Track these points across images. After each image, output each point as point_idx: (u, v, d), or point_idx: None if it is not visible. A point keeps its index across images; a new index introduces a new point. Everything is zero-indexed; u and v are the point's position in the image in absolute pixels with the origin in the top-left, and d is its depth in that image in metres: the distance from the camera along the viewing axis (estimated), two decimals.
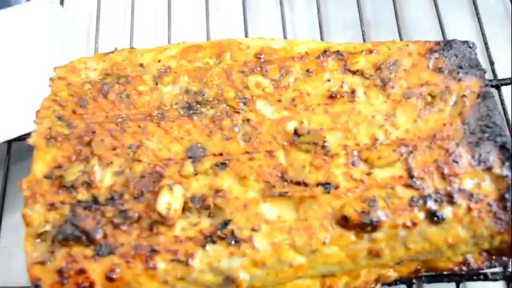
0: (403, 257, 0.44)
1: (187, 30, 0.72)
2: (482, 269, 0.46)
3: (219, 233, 0.43)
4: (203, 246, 0.43)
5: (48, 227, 0.45)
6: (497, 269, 0.50)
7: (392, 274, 0.46)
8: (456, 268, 0.46)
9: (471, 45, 0.49)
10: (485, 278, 0.49)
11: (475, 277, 0.49)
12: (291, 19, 0.69)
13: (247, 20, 0.65)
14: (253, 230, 0.43)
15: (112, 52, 0.53)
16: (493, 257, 0.45)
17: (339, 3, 0.69)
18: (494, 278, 0.49)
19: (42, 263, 0.44)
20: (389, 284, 0.48)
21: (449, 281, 0.50)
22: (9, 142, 0.59)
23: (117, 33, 0.72)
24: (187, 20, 0.73)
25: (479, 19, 0.62)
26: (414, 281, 0.50)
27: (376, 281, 0.46)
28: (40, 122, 0.49)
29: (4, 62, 0.58)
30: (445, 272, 0.49)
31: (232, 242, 0.43)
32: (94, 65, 0.52)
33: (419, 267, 0.46)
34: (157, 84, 0.50)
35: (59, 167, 0.47)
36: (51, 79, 0.52)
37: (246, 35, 0.64)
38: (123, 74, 0.51)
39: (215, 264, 0.43)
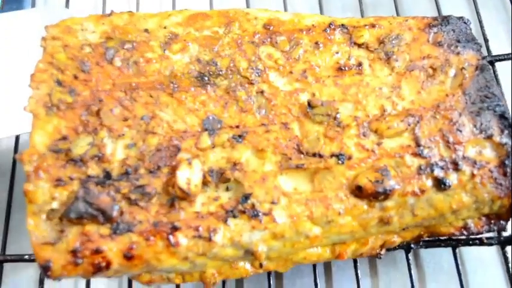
0: (409, 223, 0.41)
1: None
2: (482, 233, 0.44)
3: (240, 207, 0.39)
4: (225, 221, 0.38)
5: (55, 205, 0.39)
6: (492, 234, 0.48)
7: (396, 240, 0.43)
8: (457, 232, 0.44)
9: (466, 21, 0.46)
10: (481, 242, 0.48)
11: (470, 242, 0.47)
12: (291, 0, 0.65)
13: None
14: (272, 203, 0.39)
15: (110, 14, 0.46)
16: (492, 221, 0.44)
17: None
18: (489, 242, 0.48)
19: (51, 243, 0.38)
20: (389, 249, 0.45)
21: (446, 246, 0.48)
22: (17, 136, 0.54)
23: None
24: None
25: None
26: (412, 245, 0.47)
27: (381, 246, 0.43)
28: (36, 87, 0.42)
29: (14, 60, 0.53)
30: (442, 237, 0.47)
31: (253, 216, 0.39)
32: (92, 27, 0.45)
33: (422, 232, 0.44)
34: (165, 52, 0.44)
35: (64, 138, 0.40)
36: (43, 38, 0.44)
37: (248, 6, 0.62)
38: (127, 39, 0.44)
39: (237, 238, 0.39)
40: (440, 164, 0.41)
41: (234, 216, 0.39)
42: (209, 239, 0.38)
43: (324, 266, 0.54)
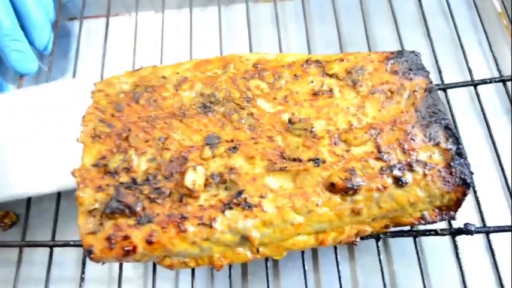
0: (376, 214, 0.49)
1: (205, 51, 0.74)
2: (436, 222, 0.51)
3: (234, 200, 0.47)
4: (223, 212, 0.47)
5: (97, 205, 0.49)
6: (445, 226, 0.56)
7: (368, 229, 0.50)
8: (416, 222, 0.51)
9: (416, 54, 0.55)
10: (436, 233, 0.55)
11: (427, 233, 0.55)
12: (285, 38, 0.75)
13: (252, 39, 0.70)
14: (261, 197, 0.47)
15: (139, 69, 0.57)
16: (444, 212, 0.50)
17: (322, 26, 0.74)
18: (442, 233, 0.55)
19: (93, 233, 0.48)
20: (363, 238, 0.52)
21: (408, 236, 0.55)
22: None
23: None
24: (205, 42, 0.77)
25: (429, 37, 0.68)
26: (381, 235, 0.54)
27: (356, 235, 0.50)
28: (86, 124, 0.53)
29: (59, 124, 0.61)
30: (405, 229, 0.54)
31: (246, 207, 0.47)
32: (126, 79, 0.56)
33: (388, 223, 0.51)
34: (177, 91, 0.54)
35: (103, 157, 0.51)
36: (92, 92, 0.56)
37: (251, 50, 0.69)
38: (150, 85, 0.55)
39: (233, 225, 0.47)
40: (398, 166, 0.48)
41: (230, 208, 0.47)
42: (210, 226, 0.47)
43: (312, 252, 0.61)
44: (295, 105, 0.52)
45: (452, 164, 0.49)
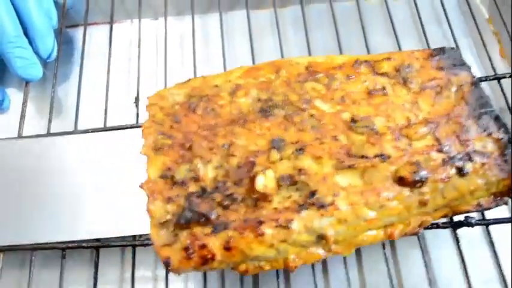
0: (440, 204, 0.46)
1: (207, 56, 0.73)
2: (491, 208, 0.49)
3: (308, 201, 0.44)
4: (298, 213, 0.43)
5: (169, 216, 0.44)
6: (446, 220, 0.53)
7: (430, 219, 0.47)
8: (473, 209, 0.48)
9: (456, 50, 0.53)
10: (438, 226, 0.53)
11: (429, 226, 0.52)
12: (285, 44, 0.71)
13: (254, 50, 0.67)
14: (334, 195, 0.44)
15: (188, 80, 0.53)
16: (498, 198, 0.48)
17: (320, 34, 0.71)
18: (444, 226, 0.53)
19: (168, 245, 0.44)
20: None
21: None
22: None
23: None
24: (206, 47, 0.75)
25: (427, 41, 0.67)
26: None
27: (419, 226, 0.48)
28: (146, 138, 0.48)
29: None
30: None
31: (320, 207, 0.43)
32: (177, 91, 0.52)
33: (447, 212, 0.48)
34: (233, 98, 0.50)
35: (169, 169, 0.46)
36: (147, 106, 0.51)
37: (253, 61, 0.66)
38: (204, 94, 0.51)
39: (309, 225, 0.43)
40: (458, 156, 0.46)
41: (305, 209, 0.44)
42: (287, 227, 0.43)
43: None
44: (353, 105, 0.49)
45: (506, 152, 0.47)
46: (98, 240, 0.53)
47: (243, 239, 0.43)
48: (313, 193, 0.44)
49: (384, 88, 0.50)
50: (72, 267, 0.58)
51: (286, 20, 0.77)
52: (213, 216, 0.44)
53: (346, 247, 0.46)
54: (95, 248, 0.53)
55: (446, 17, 0.69)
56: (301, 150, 0.46)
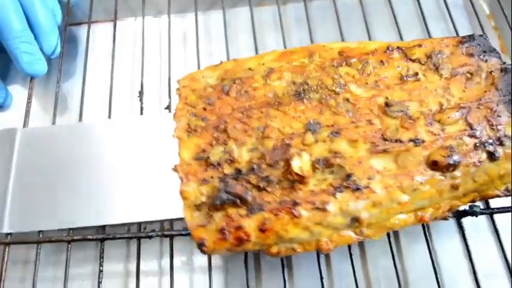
0: (470, 188, 0.46)
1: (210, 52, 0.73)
2: None
3: (344, 183, 0.44)
4: (334, 195, 0.44)
5: (203, 199, 0.44)
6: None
7: (459, 204, 0.48)
8: (501, 194, 0.48)
9: (485, 37, 0.53)
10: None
11: None
12: (288, 40, 0.71)
13: (257, 47, 0.67)
14: (369, 179, 0.44)
15: (220, 64, 0.53)
16: None
17: (323, 30, 0.70)
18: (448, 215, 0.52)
19: (203, 226, 0.44)
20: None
21: None
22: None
23: None
24: (209, 44, 0.74)
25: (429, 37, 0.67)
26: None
27: (449, 210, 0.48)
28: (178, 120, 0.48)
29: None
30: None
31: (356, 190, 0.44)
32: (210, 74, 0.52)
33: (475, 197, 0.48)
34: (266, 81, 0.50)
35: (203, 151, 0.46)
36: (177, 89, 0.51)
37: (256, 52, 0.66)
38: (237, 77, 0.51)
39: (345, 207, 0.43)
40: (490, 141, 0.46)
41: (341, 191, 0.44)
42: (324, 210, 0.43)
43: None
44: (387, 90, 0.49)
45: None
46: (103, 232, 0.53)
47: (279, 220, 0.43)
48: (348, 176, 0.44)
49: (416, 74, 0.50)
50: (77, 260, 0.57)
51: (289, 17, 0.77)
52: (248, 198, 0.44)
53: (377, 230, 0.46)
54: (100, 240, 0.53)
55: (449, 13, 0.70)
56: (336, 133, 0.46)
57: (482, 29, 0.67)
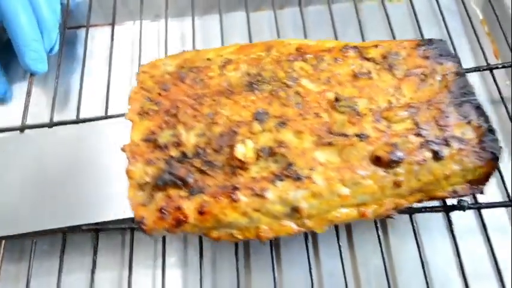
0: (414, 187, 0.46)
1: None
2: (466, 195, 0.49)
3: (285, 172, 0.44)
4: (274, 183, 0.44)
5: (147, 179, 0.45)
6: (438, 203, 0.54)
7: (404, 203, 0.47)
8: (449, 196, 0.48)
9: (445, 42, 0.53)
10: (431, 210, 0.54)
11: (423, 209, 0.53)
12: (282, 30, 0.72)
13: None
14: (311, 169, 0.44)
15: (182, 53, 0.54)
16: (474, 186, 0.48)
17: (319, 35, 0.66)
18: (437, 209, 0.54)
19: (144, 205, 0.44)
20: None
21: (405, 213, 0.53)
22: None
23: None
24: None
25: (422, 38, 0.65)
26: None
27: (394, 208, 0.48)
28: (132, 103, 0.49)
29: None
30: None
31: (296, 179, 0.44)
32: (170, 62, 0.53)
33: (422, 197, 0.48)
34: (222, 71, 0.51)
35: (153, 133, 0.47)
36: (137, 74, 0.52)
37: None
38: (195, 66, 0.52)
39: (284, 196, 0.44)
40: (436, 141, 0.46)
41: (281, 180, 0.44)
42: (262, 196, 0.44)
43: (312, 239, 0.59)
44: (338, 86, 0.49)
45: (484, 139, 0.47)
46: (97, 223, 0.53)
47: (218, 204, 0.44)
48: (290, 165, 0.45)
49: (369, 72, 0.50)
50: (72, 253, 0.58)
51: (285, 22, 0.77)
52: (190, 180, 0.44)
53: (319, 222, 0.47)
54: (95, 231, 0.53)
55: (443, 18, 0.70)
56: (283, 124, 0.47)
57: (476, 34, 0.68)
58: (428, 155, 0.46)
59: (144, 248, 0.58)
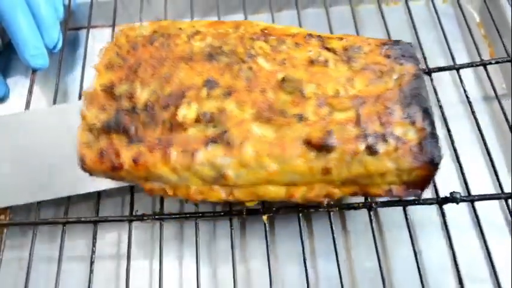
0: (346, 177, 0.47)
1: None
2: (401, 197, 0.49)
3: (218, 138, 0.47)
4: (205, 145, 0.46)
5: (97, 123, 0.48)
6: (431, 196, 0.55)
7: (337, 192, 0.48)
8: (383, 194, 0.49)
9: (412, 45, 0.53)
10: (424, 202, 0.55)
11: (416, 202, 0.55)
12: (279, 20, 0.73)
13: None
14: (243, 139, 0.46)
15: (160, 20, 0.58)
16: (410, 189, 0.49)
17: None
18: (430, 202, 0.55)
19: (88, 144, 0.48)
20: (356, 208, 0.54)
21: (397, 205, 0.56)
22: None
23: None
24: None
25: (418, 40, 0.69)
26: (373, 205, 0.55)
27: (325, 196, 0.49)
28: (103, 56, 0.53)
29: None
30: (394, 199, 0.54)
31: (227, 145, 0.46)
32: (146, 27, 0.56)
33: (357, 190, 0.49)
34: (190, 40, 0.54)
35: (112, 84, 0.50)
36: (115, 33, 0.56)
37: None
38: (166, 32, 0.54)
39: (212, 159, 0.46)
40: (373, 135, 0.46)
41: (213, 143, 0.46)
42: (192, 155, 0.46)
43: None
44: (292, 68, 0.51)
45: (424, 142, 0.47)
46: (96, 215, 0.58)
47: (152, 156, 0.46)
48: (225, 132, 0.47)
49: (326, 61, 0.51)
50: (71, 244, 0.60)
51: (283, 24, 0.77)
52: (132, 130, 0.47)
53: (247, 194, 0.48)
54: (93, 223, 0.57)
55: (439, 21, 0.70)
56: (229, 94, 0.49)
57: (472, 37, 0.68)
58: (362, 147, 0.46)
59: (142, 240, 0.61)
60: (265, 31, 0.54)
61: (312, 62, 0.51)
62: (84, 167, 0.48)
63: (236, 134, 0.46)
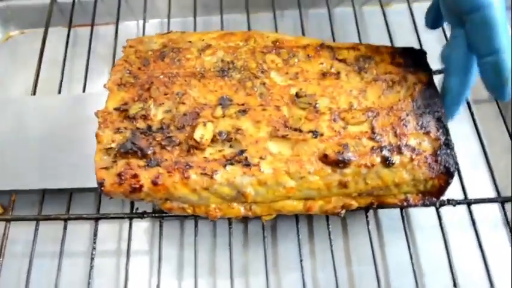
0: (362, 190, 0.47)
1: None
2: (418, 206, 0.50)
3: (236, 158, 0.46)
4: (224, 166, 0.46)
5: (113, 145, 0.48)
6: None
7: (353, 203, 0.49)
8: (399, 204, 0.50)
9: (424, 52, 0.53)
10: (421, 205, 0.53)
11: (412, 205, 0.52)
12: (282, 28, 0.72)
13: None
14: (261, 158, 0.46)
15: (169, 32, 0.57)
16: (426, 198, 0.49)
17: (318, 37, 0.65)
18: (427, 204, 0.52)
19: (106, 168, 0.48)
20: (353, 210, 0.51)
21: (396, 207, 0.54)
22: None
23: None
24: None
25: (420, 43, 0.67)
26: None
27: (342, 207, 0.50)
28: (114, 74, 0.52)
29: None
30: None
31: (245, 165, 0.46)
32: (156, 40, 0.55)
33: (373, 201, 0.50)
34: (200, 55, 0.53)
35: (125, 104, 0.50)
36: (124, 47, 0.55)
37: None
38: (177, 46, 0.54)
39: (231, 179, 0.46)
40: (388, 147, 0.47)
41: (231, 164, 0.46)
42: (211, 177, 0.46)
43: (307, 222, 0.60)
44: (304, 82, 0.51)
45: (439, 152, 0.47)
46: (97, 212, 0.58)
47: (170, 178, 0.47)
48: (242, 152, 0.47)
49: (338, 73, 0.51)
50: (73, 239, 0.60)
51: (286, 24, 0.78)
52: (149, 152, 0.47)
53: (265, 209, 0.49)
54: (95, 220, 0.57)
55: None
56: (244, 112, 0.49)
57: None
58: (378, 159, 0.47)
59: (142, 237, 0.61)
60: (277, 43, 0.54)
61: (324, 75, 0.51)
62: (102, 190, 0.48)
63: (253, 153, 0.47)
